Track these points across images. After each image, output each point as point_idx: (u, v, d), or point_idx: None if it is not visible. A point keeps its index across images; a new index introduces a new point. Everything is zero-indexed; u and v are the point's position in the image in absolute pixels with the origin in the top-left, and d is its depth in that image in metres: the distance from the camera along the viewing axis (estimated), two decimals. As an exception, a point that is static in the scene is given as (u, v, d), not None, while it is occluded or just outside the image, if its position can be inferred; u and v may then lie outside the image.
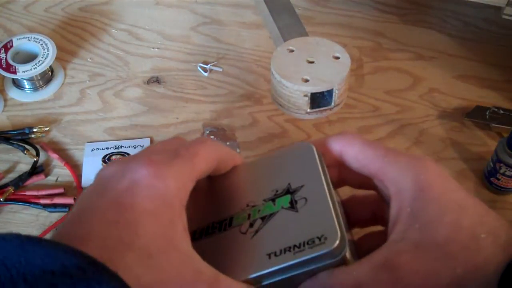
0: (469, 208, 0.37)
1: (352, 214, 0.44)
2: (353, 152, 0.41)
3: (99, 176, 0.38)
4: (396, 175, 0.39)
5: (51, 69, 0.74)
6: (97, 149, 0.67)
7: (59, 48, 0.75)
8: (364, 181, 0.43)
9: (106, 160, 0.66)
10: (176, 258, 0.34)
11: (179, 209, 0.36)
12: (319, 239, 0.37)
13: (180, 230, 0.36)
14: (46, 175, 0.65)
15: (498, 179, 0.60)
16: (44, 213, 0.62)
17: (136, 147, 0.67)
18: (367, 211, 0.44)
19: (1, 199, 0.62)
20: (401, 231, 0.37)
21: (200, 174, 0.39)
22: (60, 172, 0.66)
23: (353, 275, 0.36)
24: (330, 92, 0.56)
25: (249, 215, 0.41)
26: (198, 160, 0.39)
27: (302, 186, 0.41)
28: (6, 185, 0.63)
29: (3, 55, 0.72)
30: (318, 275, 0.37)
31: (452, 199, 0.37)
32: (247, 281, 0.38)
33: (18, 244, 0.30)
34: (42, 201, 0.62)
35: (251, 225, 0.41)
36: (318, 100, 0.57)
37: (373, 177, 0.42)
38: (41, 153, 0.66)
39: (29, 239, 0.30)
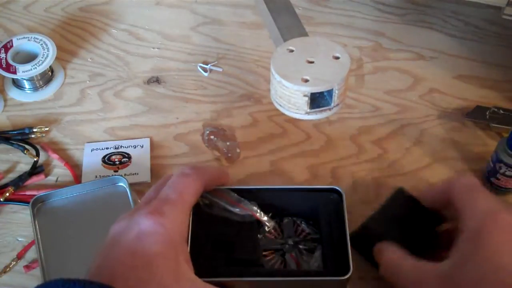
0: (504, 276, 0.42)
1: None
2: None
3: (111, 232, 0.46)
4: (469, 216, 0.47)
5: (51, 69, 0.74)
6: (97, 149, 0.67)
7: (59, 48, 0.75)
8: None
9: (106, 160, 0.66)
10: (185, 285, 0.43)
11: (180, 245, 0.46)
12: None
13: (184, 262, 0.45)
14: (46, 175, 0.65)
15: (498, 179, 0.60)
16: (44, 213, 0.62)
17: (136, 147, 0.67)
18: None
19: (1, 199, 0.62)
20: (453, 258, 0.45)
21: (191, 205, 0.49)
22: (60, 172, 0.66)
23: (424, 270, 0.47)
24: (330, 92, 0.56)
25: None
26: (186, 197, 0.48)
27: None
28: (6, 185, 0.63)
29: (3, 55, 0.72)
30: (403, 265, 0.49)
31: (499, 260, 0.43)
32: None
33: (62, 284, 0.39)
34: (42, 201, 0.62)
35: None
36: (318, 100, 0.57)
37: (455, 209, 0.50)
38: (41, 153, 0.66)
39: (69, 280, 0.39)
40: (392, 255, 0.50)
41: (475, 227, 0.45)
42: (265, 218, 0.53)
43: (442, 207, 0.53)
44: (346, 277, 0.49)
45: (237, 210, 0.53)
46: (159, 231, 0.44)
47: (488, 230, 0.44)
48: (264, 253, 0.53)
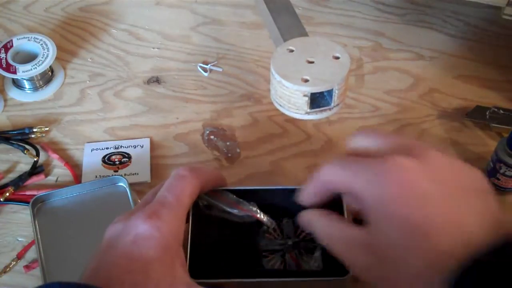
0: (415, 233, 0.39)
1: None
2: (333, 178, 0.45)
3: (107, 234, 0.46)
4: (362, 190, 0.42)
5: (51, 69, 0.74)
6: (97, 149, 0.67)
7: (59, 48, 0.75)
8: None
9: (106, 160, 0.66)
10: None
11: (176, 249, 0.46)
12: None
13: (179, 266, 0.45)
14: (46, 175, 0.65)
15: (498, 179, 0.60)
16: (44, 213, 0.62)
17: (136, 147, 0.67)
18: None
19: (1, 199, 0.62)
20: (367, 226, 0.42)
21: (187, 208, 0.49)
22: (60, 172, 0.66)
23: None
24: (330, 92, 0.56)
25: None
26: (182, 200, 0.48)
27: None
28: (6, 185, 0.63)
29: (3, 55, 0.72)
30: (333, 234, 0.45)
31: (404, 220, 0.39)
32: None
33: (59, 287, 0.39)
34: (42, 201, 0.62)
35: None
36: (318, 100, 0.57)
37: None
38: (41, 153, 0.66)
39: (67, 283, 0.39)
40: (321, 225, 0.47)
41: (375, 192, 0.41)
42: (265, 218, 0.53)
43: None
44: (346, 277, 0.49)
45: (236, 211, 0.53)
46: (156, 236, 0.44)
47: (388, 193, 0.40)
48: (264, 253, 0.53)
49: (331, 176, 0.45)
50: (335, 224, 0.46)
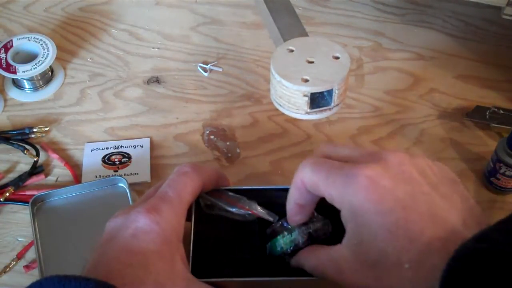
0: (398, 235, 0.39)
1: None
2: (306, 179, 0.45)
3: (107, 228, 0.46)
4: (336, 197, 0.42)
5: (51, 69, 0.74)
6: (97, 149, 0.67)
7: (59, 48, 0.75)
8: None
9: (106, 160, 0.66)
10: (181, 284, 0.44)
11: (176, 244, 0.46)
12: None
13: (180, 261, 0.45)
14: (46, 175, 0.65)
15: (498, 179, 0.60)
16: (44, 213, 0.62)
17: (136, 147, 0.67)
18: None
19: (1, 199, 0.62)
20: (346, 240, 0.42)
21: (188, 204, 0.49)
22: (60, 172, 0.66)
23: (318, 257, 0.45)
24: (330, 92, 0.56)
25: None
26: (183, 196, 0.48)
27: None
28: (6, 185, 0.63)
29: (3, 55, 0.72)
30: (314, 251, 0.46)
31: (382, 224, 0.40)
32: None
33: (58, 281, 0.38)
34: (42, 201, 0.62)
35: None
36: (318, 100, 0.57)
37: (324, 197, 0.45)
38: (41, 153, 0.66)
39: (65, 276, 0.39)
40: (308, 259, 0.47)
41: (347, 208, 0.42)
42: (267, 214, 0.52)
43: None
44: None
45: (236, 210, 0.52)
46: (155, 230, 0.44)
47: (359, 209, 0.41)
48: (271, 234, 0.52)
49: (304, 178, 0.45)
50: (319, 252, 0.46)
